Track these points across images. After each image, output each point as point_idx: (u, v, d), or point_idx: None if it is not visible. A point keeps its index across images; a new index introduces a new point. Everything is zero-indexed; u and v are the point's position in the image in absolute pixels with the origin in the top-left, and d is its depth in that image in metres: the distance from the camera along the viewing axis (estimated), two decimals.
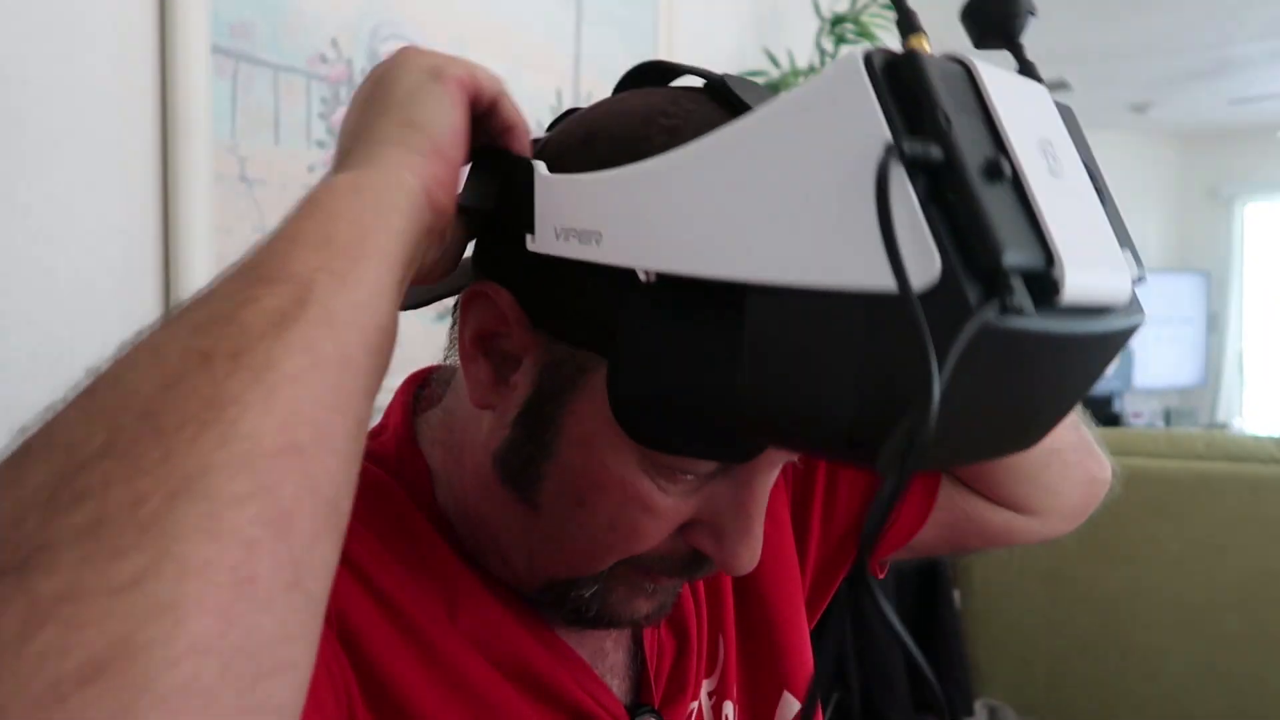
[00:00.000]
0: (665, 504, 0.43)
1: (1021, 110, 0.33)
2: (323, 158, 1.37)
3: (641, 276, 0.37)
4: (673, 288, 0.37)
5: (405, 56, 0.43)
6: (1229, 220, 5.42)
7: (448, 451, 0.50)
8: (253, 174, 1.28)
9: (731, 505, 0.44)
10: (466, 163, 0.43)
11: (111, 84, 1.12)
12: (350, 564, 0.43)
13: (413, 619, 0.44)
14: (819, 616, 0.67)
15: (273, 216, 1.30)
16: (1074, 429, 0.66)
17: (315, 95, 1.36)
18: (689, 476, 0.43)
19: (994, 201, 0.29)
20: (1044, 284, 0.30)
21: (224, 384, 0.28)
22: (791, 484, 0.67)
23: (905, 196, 0.29)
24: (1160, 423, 5.17)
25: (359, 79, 1.41)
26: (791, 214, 0.32)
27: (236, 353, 0.29)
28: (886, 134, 0.29)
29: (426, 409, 0.54)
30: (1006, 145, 0.31)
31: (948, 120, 0.30)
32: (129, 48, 1.14)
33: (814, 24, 2.25)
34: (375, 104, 0.41)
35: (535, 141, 0.47)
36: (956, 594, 2.26)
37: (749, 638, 0.61)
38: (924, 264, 0.29)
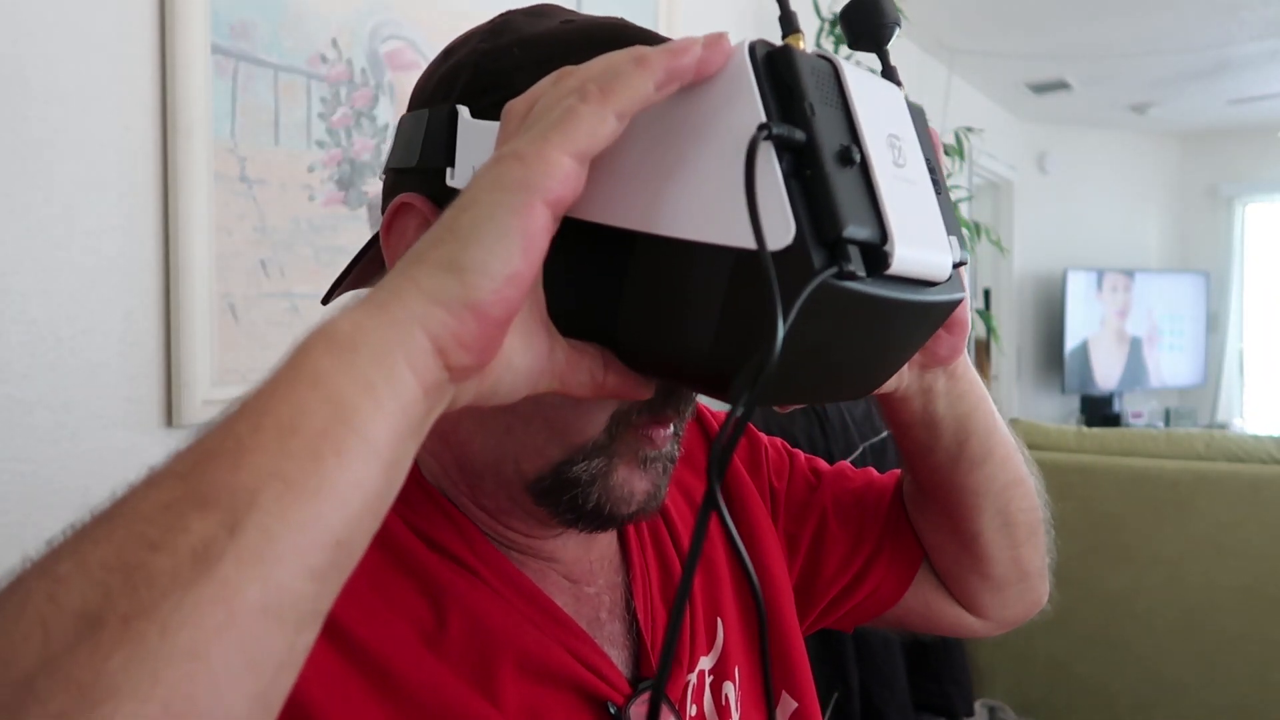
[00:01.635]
0: None
1: (877, 107, 0.38)
2: (322, 157, 1.37)
3: None
4: (572, 227, 0.40)
5: (505, 152, 0.35)
6: (1229, 220, 5.42)
7: None
8: (253, 174, 1.28)
9: None
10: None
11: (111, 84, 1.12)
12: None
13: (380, 658, 0.44)
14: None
15: (273, 216, 1.30)
16: (1045, 554, 0.72)
17: (315, 95, 1.36)
18: None
19: (843, 182, 0.35)
20: (877, 256, 0.35)
21: (104, 666, 0.24)
22: (784, 509, 0.70)
23: (771, 170, 0.34)
24: (1160, 423, 5.17)
25: (359, 79, 1.42)
26: (681, 177, 0.36)
27: (130, 616, 0.25)
28: (762, 115, 0.35)
29: None
30: (860, 137, 0.36)
31: (812, 110, 0.35)
32: (129, 48, 1.14)
33: (814, 24, 2.25)
34: (447, 220, 0.34)
35: (458, 55, 0.50)
36: None
37: (755, 630, 0.61)
38: (782, 230, 0.34)
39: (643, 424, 0.47)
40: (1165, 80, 4.34)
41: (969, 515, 0.64)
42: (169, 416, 1.17)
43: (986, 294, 4.97)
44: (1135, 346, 5.18)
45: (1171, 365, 5.27)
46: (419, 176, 0.47)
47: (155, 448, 1.17)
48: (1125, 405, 5.17)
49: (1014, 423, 2.39)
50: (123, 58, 1.13)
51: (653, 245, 0.38)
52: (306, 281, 1.34)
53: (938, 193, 0.41)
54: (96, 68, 1.10)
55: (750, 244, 0.33)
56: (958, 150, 2.74)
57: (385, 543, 0.47)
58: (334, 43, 1.38)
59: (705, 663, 0.57)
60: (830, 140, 0.35)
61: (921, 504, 0.68)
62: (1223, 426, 5.02)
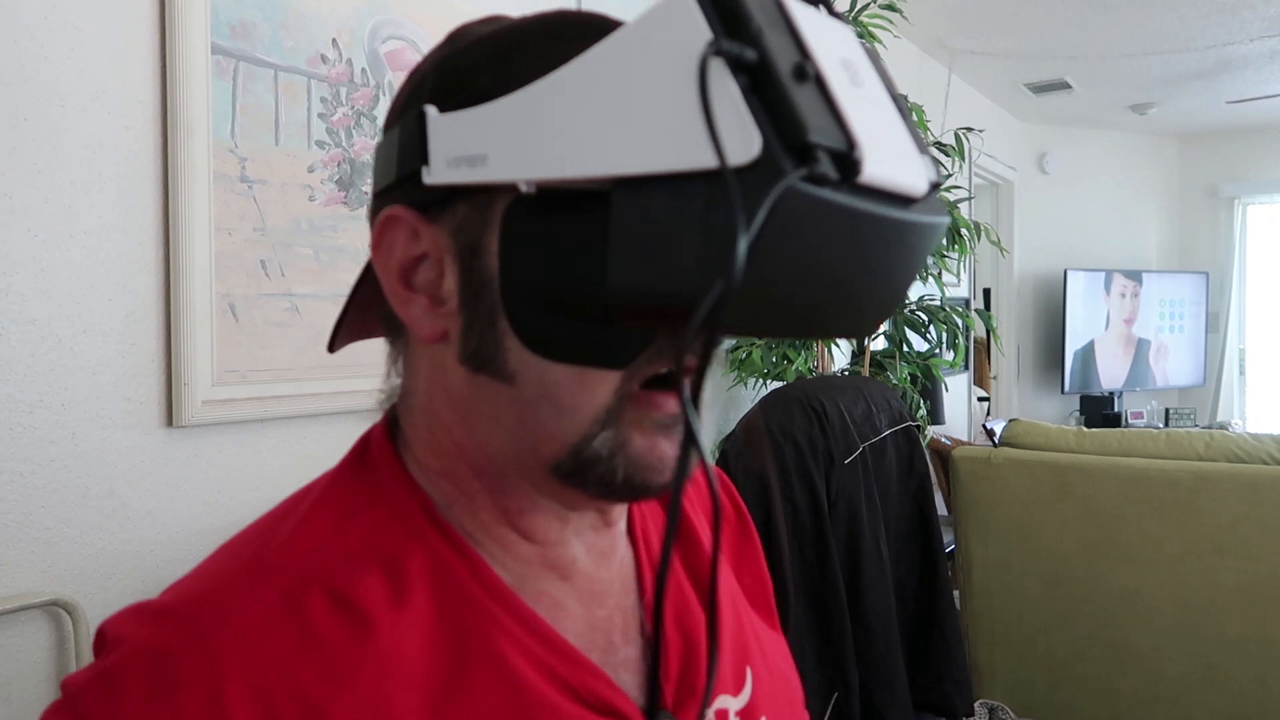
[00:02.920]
0: None
1: (825, 35, 0.39)
2: (322, 158, 1.37)
3: (523, 188, 0.42)
4: (550, 197, 0.42)
5: None
6: (1229, 220, 5.42)
7: (431, 432, 0.50)
8: (253, 174, 1.28)
9: None
10: None
11: (111, 84, 1.12)
12: None
13: None
14: None
15: (273, 216, 1.30)
16: None
17: (315, 95, 1.36)
18: None
19: (802, 95, 0.35)
20: (847, 163, 0.35)
21: None
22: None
23: (729, 89, 0.34)
24: (1160, 423, 5.17)
25: (359, 79, 1.42)
26: (641, 115, 0.37)
27: None
28: (710, 34, 0.35)
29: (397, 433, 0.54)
30: (810, 55, 0.37)
31: (760, 30, 0.35)
32: (129, 48, 1.14)
33: None
34: None
35: (422, 73, 0.51)
36: (956, 594, 2.26)
37: (791, 689, 0.62)
38: (747, 142, 0.34)
39: (637, 392, 0.45)
40: (1165, 80, 4.34)
41: None
42: (169, 416, 1.17)
43: (986, 294, 4.97)
44: (1142, 348, 5.19)
45: (1172, 365, 5.28)
46: (400, 189, 0.47)
47: (155, 448, 1.17)
48: (1125, 405, 5.17)
49: (1014, 422, 2.39)
50: (123, 58, 1.13)
51: (630, 190, 0.38)
52: (306, 281, 1.34)
53: (903, 118, 0.41)
54: (96, 68, 1.10)
55: (714, 162, 0.34)
56: (958, 150, 2.73)
57: (382, 674, 0.46)
58: (334, 43, 1.38)
59: (728, 702, 0.57)
60: (782, 58, 0.35)
61: None
62: (1223, 426, 5.02)
